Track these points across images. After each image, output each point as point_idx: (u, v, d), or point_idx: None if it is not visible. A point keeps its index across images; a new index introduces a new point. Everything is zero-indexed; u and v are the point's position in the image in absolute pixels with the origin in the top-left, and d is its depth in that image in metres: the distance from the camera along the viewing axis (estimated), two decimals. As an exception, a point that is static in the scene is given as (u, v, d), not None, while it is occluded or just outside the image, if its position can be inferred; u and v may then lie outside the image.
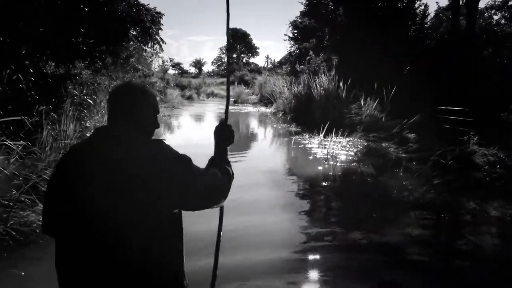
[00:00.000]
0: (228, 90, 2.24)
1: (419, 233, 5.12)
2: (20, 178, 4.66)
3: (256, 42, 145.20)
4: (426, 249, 4.72)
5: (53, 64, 10.01)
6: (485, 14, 21.50)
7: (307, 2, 24.37)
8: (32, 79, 8.43)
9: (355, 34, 16.43)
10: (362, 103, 13.45)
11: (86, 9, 11.68)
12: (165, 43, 19.98)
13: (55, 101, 7.93)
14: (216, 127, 1.98)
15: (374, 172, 7.96)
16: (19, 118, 5.75)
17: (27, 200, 4.44)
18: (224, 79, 53.60)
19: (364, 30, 15.72)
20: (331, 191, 7.15)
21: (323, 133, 11.11)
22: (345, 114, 13.50)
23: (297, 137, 12.52)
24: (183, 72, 69.97)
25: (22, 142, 5.09)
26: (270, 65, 69.02)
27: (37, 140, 5.73)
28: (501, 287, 3.95)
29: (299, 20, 30.43)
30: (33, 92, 7.84)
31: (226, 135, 1.96)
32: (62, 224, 1.55)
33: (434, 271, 4.18)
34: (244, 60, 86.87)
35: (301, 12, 28.92)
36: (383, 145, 10.22)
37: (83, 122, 7.88)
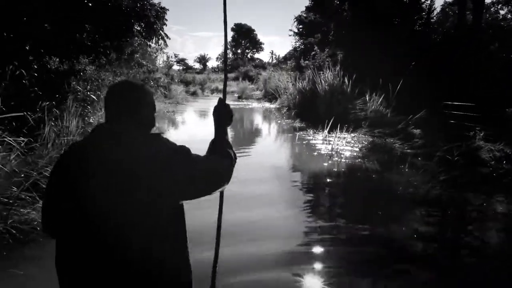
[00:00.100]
0: (225, 69, 2.20)
1: (424, 229, 5.06)
2: (22, 175, 4.64)
3: (261, 37, 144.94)
4: (430, 245, 4.66)
5: (57, 60, 10.00)
6: (492, 9, 21.32)
7: (312, -4, 24.25)
8: (36, 74, 8.42)
9: (360, 29, 16.31)
10: (367, 99, 13.36)
11: (90, 4, 11.65)
12: (170, 39, 19.89)
13: (59, 97, 7.90)
14: (215, 107, 1.97)
15: (379, 168, 7.89)
16: (22, 114, 5.73)
17: (27, 197, 4.40)
18: (229, 75, 53.56)
19: (370, 25, 15.60)
20: (335, 187, 7.09)
21: (328, 128, 11.03)
22: (350, 110, 13.42)
23: (301, 133, 12.46)
24: (187, 68, 69.85)
25: (22, 138, 5.05)
26: (274, 61, 69.04)
27: (40, 137, 5.71)
28: (506, 284, 3.89)
29: (304, 15, 30.33)
30: (36, 88, 7.82)
31: (225, 115, 1.95)
32: (63, 221, 1.53)
33: (438, 267, 4.13)
34: (248, 56, 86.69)
35: (306, 7, 28.91)
36: (388, 141, 10.14)
37: (86, 118, 7.86)
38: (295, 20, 31.26)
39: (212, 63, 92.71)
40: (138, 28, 16.46)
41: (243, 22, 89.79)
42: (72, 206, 1.48)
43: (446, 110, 10.67)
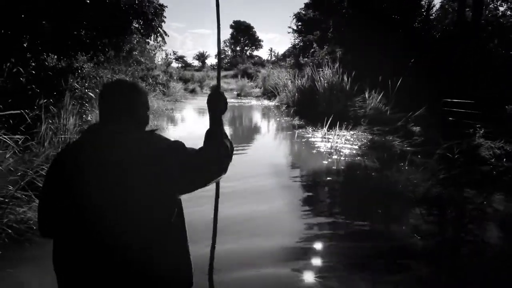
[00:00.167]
0: (219, 53, 2.15)
1: (424, 227, 5.02)
2: (19, 174, 4.59)
3: (260, 34, 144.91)
4: (430, 243, 4.62)
5: (55, 57, 9.95)
6: (491, 6, 21.23)
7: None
8: (33, 72, 8.37)
9: (359, 26, 16.28)
10: (366, 96, 13.32)
11: (88, 1, 11.59)
12: (168, 36, 19.86)
13: (56, 94, 7.85)
14: (209, 95, 1.94)
15: (378, 166, 7.85)
16: (19, 112, 5.68)
17: (23, 196, 4.35)
18: (227, 72, 53.63)
19: (369, 22, 15.57)
20: (335, 185, 7.05)
21: (327, 126, 10.99)
22: (349, 107, 13.40)
23: (301, 130, 12.41)
24: (186, 65, 69.81)
25: (18, 136, 5.00)
26: (273, 58, 68.96)
27: (37, 135, 5.66)
28: (506, 283, 3.85)
29: (303, 12, 30.21)
30: (33, 86, 7.78)
31: (220, 102, 1.92)
32: (60, 220, 1.53)
33: (438, 265, 4.12)
34: (247, 53, 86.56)
35: (305, 4, 28.74)
36: (388, 138, 10.10)
37: (84, 116, 7.79)
38: (294, 17, 31.15)
39: (211, 61, 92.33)
40: (137, 25, 16.40)
41: (242, 19, 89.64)
42: (70, 204, 1.48)
43: (446, 108, 10.64)
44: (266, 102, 23.81)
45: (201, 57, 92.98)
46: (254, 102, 25.19)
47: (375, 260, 4.08)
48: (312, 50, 21.19)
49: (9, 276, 3.49)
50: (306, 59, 21.86)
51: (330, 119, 10.94)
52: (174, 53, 61.94)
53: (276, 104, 21.00)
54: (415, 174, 7.00)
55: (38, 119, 6.02)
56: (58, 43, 10.80)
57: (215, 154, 1.69)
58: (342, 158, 8.65)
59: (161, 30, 19.74)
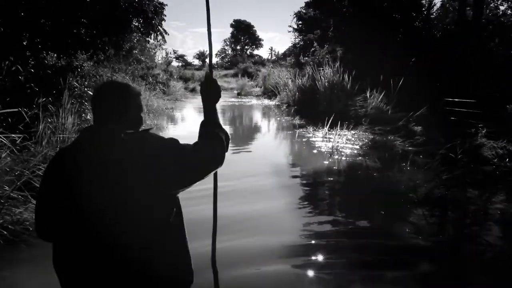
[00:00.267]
0: (210, 44, 2.07)
1: (427, 228, 4.97)
2: (17, 172, 4.53)
3: (260, 33, 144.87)
4: (433, 244, 4.58)
5: (55, 55, 9.90)
6: (491, 5, 21.16)
7: (312, -8, 24.05)
8: (32, 70, 8.31)
9: (360, 25, 16.21)
10: (367, 95, 13.26)
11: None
12: (168, 35, 19.84)
13: (55, 93, 7.79)
14: (201, 83, 1.91)
15: (380, 166, 7.79)
16: (17, 110, 5.63)
17: (19, 196, 4.28)
18: (228, 71, 53.55)
19: (370, 21, 15.51)
20: (336, 185, 6.99)
21: (328, 126, 10.91)
22: (350, 107, 13.33)
23: (301, 130, 12.34)
24: (186, 64, 69.72)
25: (14, 135, 4.94)
26: (274, 57, 68.90)
27: (35, 134, 5.60)
28: (508, 286, 3.80)
29: (304, 11, 30.11)
30: (32, 84, 7.72)
31: (214, 91, 1.89)
32: (59, 221, 1.52)
33: (439, 267, 4.07)
34: (248, 52, 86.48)
35: (306, 3, 28.62)
36: (389, 138, 10.03)
37: (83, 115, 7.72)
38: (295, 16, 31.05)
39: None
40: (136, 24, 16.36)
41: (242, 18, 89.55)
42: (68, 204, 1.47)
43: (447, 107, 10.57)
44: (266, 101, 23.73)
45: (202, 56, 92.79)
46: (254, 101, 25.10)
47: (375, 259, 4.07)
48: (313, 49, 21.12)
49: (3, 278, 3.43)
50: (306, 58, 21.79)
51: (331, 119, 10.87)
52: (175, 52, 62.09)
53: (277, 103, 20.92)
54: (418, 175, 6.94)
55: (36, 118, 5.97)
56: (58, 42, 10.75)
57: (211, 154, 1.69)
58: (344, 158, 8.59)
59: (161, 29, 19.73)
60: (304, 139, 10.83)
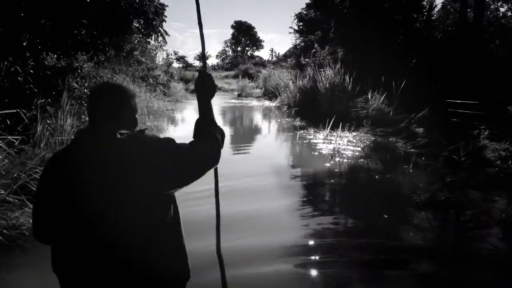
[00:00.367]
0: (201, 32, 2.05)
1: (430, 231, 4.92)
2: (15, 174, 4.45)
3: (261, 35, 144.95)
4: (436, 247, 4.52)
5: (55, 56, 9.85)
6: (492, 7, 21.11)
7: (312, -6, 24.02)
8: (31, 71, 8.25)
9: (361, 27, 16.16)
10: (369, 97, 13.19)
11: (88, 0, 11.49)
12: (169, 35, 19.79)
13: (54, 94, 7.74)
14: (196, 80, 1.88)
15: (382, 169, 7.72)
16: (15, 111, 5.57)
17: (16, 200, 4.20)
18: (229, 72, 53.49)
19: (370, 22, 15.45)
20: (337, 188, 6.92)
21: (329, 127, 10.84)
22: (351, 108, 13.26)
23: (302, 131, 12.26)
24: (187, 66, 69.58)
25: (11, 137, 4.86)
26: (274, 58, 68.82)
27: (34, 135, 5.53)
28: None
29: (305, 12, 30.11)
30: (31, 85, 7.66)
31: (208, 87, 1.87)
32: (58, 221, 1.52)
33: (440, 267, 4.05)
34: (248, 53, 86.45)
35: (306, 4, 28.62)
36: (391, 140, 9.96)
37: (83, 117, 7.65)
38: (295, 17, 31.04)
39: (212, 61, 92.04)
40: (137, 25, 16.31)
41: (243, 20, 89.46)
42: (68, 205, 1.48)
43: (449, 108, 10.50)
44: (267, 103, 23.64)
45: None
46: (255, 102, 25.02)
47: (376, 259, 4.08)
48: (313, 50, 21.06)
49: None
50: (307, 59, 21.73)
51: (332, 120, 10.79)
52: (175, 53, 61.91)
53: (277, 104, 20.85)
54: (420, 177, 6.87)
55: (35, 119, 5.90)
56: (58, 42, 10.70)
57: (208, 153, 1.70)
58: (345, 160, 8.51)
59: (161, 30, 19.67)
60: (305, 141, 10.75)
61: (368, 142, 10.00)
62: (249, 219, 5.04)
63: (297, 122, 14.35)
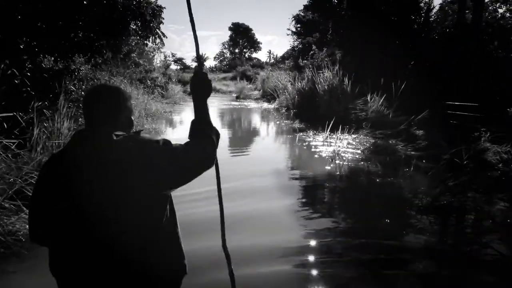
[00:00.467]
0: (193, 29, 2.00)
1: (432, 234, 4.85)
2: (11, 179, 4.37)
3: (258, 36, 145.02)
4: (434, 247, 4.50)
5: (52, 59, 9.76)
6: (490, 8, 21.13)
7: (310, -5, 23.99)
8: (28, 74, 8.16)
9: (359, 28, 16.12)
10: (368, 99, 13.13)
11: (85, 2, 11.40)
12: (166, 37, 19.72)
13: (52, 97, 7.66)
14: (192, 78, 1.86)
15: (383, 172, 7.66)
16: (11, 114, 5.48)
17: (11, 206, 4.12)
18: (227, 74, 53.48)
19: (369, 24, 15.41)
20: (338, 190, 6.87)
21: (328, 129, 10.77)
22: (351, 110, 13.21)
23: (301, 134, 12.19)
24: (185, 68, 69.57)
25: (6, 141, 4.78)
26: (272, 60, 68.84)
27: (30, 139, 5.44)
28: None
29: (302, 14, 30.13)
30: (28, 88, 7.58)
31: (204, 85, 1.86)
32: (57, 222, 1.51)
33: (440, 270, 4.03)
34: (246, 55, 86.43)
35: (304, 5, 28.61)
36: (391, 142, 9.90)
37: (80, 119, 7.57)
38: (293, 19, 31.06)
39: (210, 63, 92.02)
40: (134, 27, 16.21)
41: (240, 22, 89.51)
42: (66, 206, 1.47)
43: (449, 111, 10.46)
44: (265, 105, 23.59)
45: (201, 59, 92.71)
46: (253, 104, 24.96)
47: (376, 258, 4.09)
48: (312, 52, 21.04)
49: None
50: (305, 61, 21.69)
51: (332, 122, 10.73)
52: (173, 55, 61.96)
53: (276, 106, 20.81)
54: (422, 180, 6.81)
55: (32, 123, 5.83)
56: (55, 45, 10.62)
57: (203, 154, 1.72)
58: (345, 163, 8.45)
59: (159, 32, 19.55)
60: (304, 143, 10.69)
61: (368, 145, 9.94)
62: (249, 219, 5.05)
63: (296, 124, 14.29)
